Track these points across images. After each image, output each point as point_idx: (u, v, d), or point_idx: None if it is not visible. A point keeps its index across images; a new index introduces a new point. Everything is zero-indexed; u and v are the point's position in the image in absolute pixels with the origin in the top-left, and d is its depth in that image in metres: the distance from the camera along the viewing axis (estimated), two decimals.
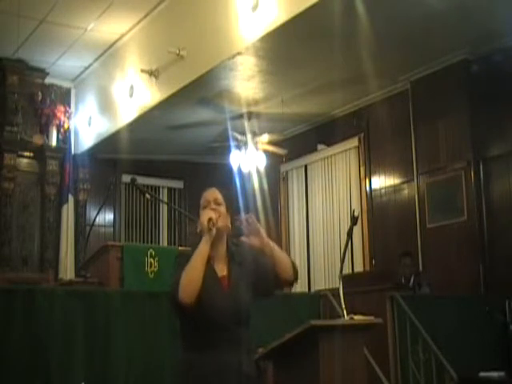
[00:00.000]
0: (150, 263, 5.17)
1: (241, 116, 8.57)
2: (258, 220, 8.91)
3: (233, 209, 2.84)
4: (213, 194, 2.77)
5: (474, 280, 6.72)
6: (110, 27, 8.15)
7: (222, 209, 2.75)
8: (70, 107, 9.63)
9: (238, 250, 2.81)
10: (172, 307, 2.64)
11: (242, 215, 2.80)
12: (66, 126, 9.40)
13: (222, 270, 2.74)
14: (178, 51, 7.10)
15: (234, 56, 6.60)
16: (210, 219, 2.66)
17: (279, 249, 2.81)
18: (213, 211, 2.71)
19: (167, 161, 10.18)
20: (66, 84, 9.74)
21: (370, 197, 8.29)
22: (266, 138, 8.64)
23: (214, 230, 2.66)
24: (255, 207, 9.71)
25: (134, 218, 10.17)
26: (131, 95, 8.10)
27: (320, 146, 9.21)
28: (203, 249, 2.63)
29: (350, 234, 3.90)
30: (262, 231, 2.78)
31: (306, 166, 9.53)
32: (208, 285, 2.63)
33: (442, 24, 6.23)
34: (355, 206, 8.30)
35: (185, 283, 2.55)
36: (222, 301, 2.64)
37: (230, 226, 2.79)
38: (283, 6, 5.85)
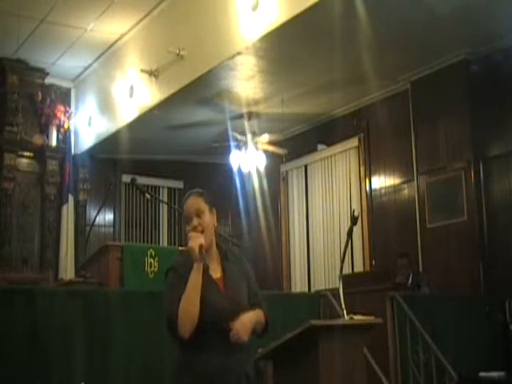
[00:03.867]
0: (150, 263, 5.17)
1: (241, 116, 8.57)
2: (258, 220, 8.72)
3: (215, 204, 2.78)
4: (193, 204, 2.71)
5: (474, 280, 6.72)
6: (110, 27, 8.16)
7: (206, 217, 2.70)
8: (70, 107, 9.64)
9: (231, 249, 2.83)
10: (170, 330, 2.59)
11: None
12: (66, 126, 9.41)
13: (216, 271, 2.73)
14: (178, 51, 7.10)
15: (233, 56, 6.60)
16: (201, 246, 2.61)
17: (255, 316, 2.70)
18: (200, 234, 2.65)
19: (167, 161, 10.18)
20: (66, 84, 9.74)
21: (370, 197, 8.29)
22: (266, 137, 8.64)
23: (204, 254, 2.63)
24: (255, 207, 9.72)
25: (134, 218, 10.17)
26: (131, 95, 8.10)
27: (320, 146, 9.21)
28: (197, 280, 2.59)
29: (349, 234, 3.89)
30: (248, 326, 2.63)
31: (306, 166, 9.53)
32: (206, 289, 2.62)
33: (442, 24, 6.23)
34: (355, 206, 8.30)
35: (183, 319, 2.53)
36: (222, 302, 2.63)
37: (216, 224, 2.76)
38: (283, 6, 5.85)
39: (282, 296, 6.05)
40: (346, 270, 7.94)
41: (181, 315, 2.53)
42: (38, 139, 9.17)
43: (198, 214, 2.70)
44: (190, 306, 2.55)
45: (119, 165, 9.83)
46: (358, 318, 3.25)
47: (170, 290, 2.63)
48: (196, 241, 2.61)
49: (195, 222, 2.68)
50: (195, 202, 2.72)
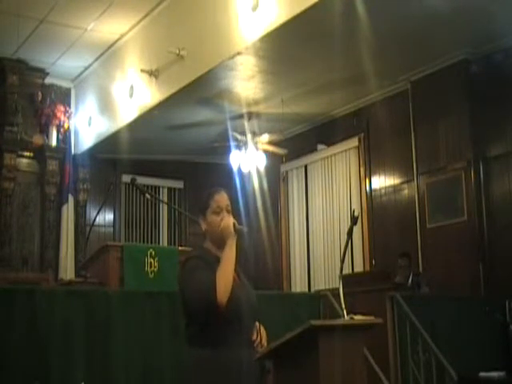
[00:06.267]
0: (150, 263, 5.17)
1: (241, 116, 8.57)
2: (258, 220, 8.76)
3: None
4: (226, 200, 2.88)
5: (474, 280, 6.72)
6: (110, 27, 8.16)
7: (231, 215, 2.87)
8: (70, 107, 9.63)
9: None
10: (201, 309, 2.67)
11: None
12: (66, 126, 9.41)
13: None
14: (178, 51, 7.10)
15: (233, 56, 6.60)
16: (234, 224, 2.77)
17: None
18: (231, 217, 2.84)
19: (167, 161, 10.18)
20: (65, 84, 9.74)
21: (370, 197, 8.29)
22: (266, 137, 8.64)
23: (238, 227, 2.79)
24: (255, 207, 9.71)
25: (134, 218, 10.17)
26: (131, 95, 8.10)
27: (320, 146, 9.21)
28: (232, 253, 2.74)
29: (349, 234, 3.89)
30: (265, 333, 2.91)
31: (306, 166, 9.53)
32: None
33: (442, 24, 6.23)
34: (355, 206, 8.30)
35: (222, 287, 2.64)
36: (242, 293, 2.74)
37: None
38: (283, 6, 5.85)
39: (281, 296, 6.04)
40: (346, 270, 7.94)
41: (220, 283, 2.63)
42: (37, 139, 9.18)
43: (228, 210, 2.87)
44: (228, 274, 2.67)
45: (119, 165, 9.83)
46: (358, 318, 3.24)
47: (199, 270, 2.71)
48: (229, 220, 2.79)
49: (226, 215, 2.84)
50: (227, 198, 2.89)
